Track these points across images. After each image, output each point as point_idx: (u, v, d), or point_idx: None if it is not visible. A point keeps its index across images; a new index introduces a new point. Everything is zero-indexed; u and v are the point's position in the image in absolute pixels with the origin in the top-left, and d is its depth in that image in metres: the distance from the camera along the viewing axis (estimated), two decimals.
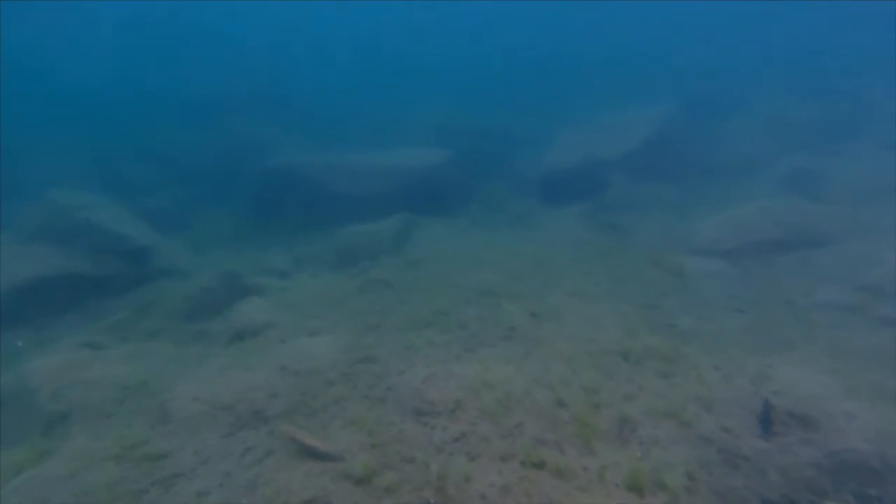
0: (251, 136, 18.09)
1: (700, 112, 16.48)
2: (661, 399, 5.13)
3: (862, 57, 20.99)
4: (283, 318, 8.09)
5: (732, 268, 8.73)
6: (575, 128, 15.39)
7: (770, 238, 8.99)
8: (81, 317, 8.76)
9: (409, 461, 4.59)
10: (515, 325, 7.44)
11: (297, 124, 19.76)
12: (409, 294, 9.09)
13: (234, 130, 18.47)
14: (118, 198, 13.84)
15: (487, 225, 13.18)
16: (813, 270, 8.26)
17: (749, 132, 14.97)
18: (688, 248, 9.80)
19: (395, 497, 4.13)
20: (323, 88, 24.63)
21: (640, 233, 11.17)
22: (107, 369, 6.38)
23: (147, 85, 23.63)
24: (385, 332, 7.63)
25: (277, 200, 14.49)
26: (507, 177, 15.93)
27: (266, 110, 20.06)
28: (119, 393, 6.07)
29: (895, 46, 20.48)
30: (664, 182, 12.89)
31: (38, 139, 17.55)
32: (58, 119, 20.36)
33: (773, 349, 6.24)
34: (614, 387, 5.47)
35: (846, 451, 4.18)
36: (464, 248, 11.50)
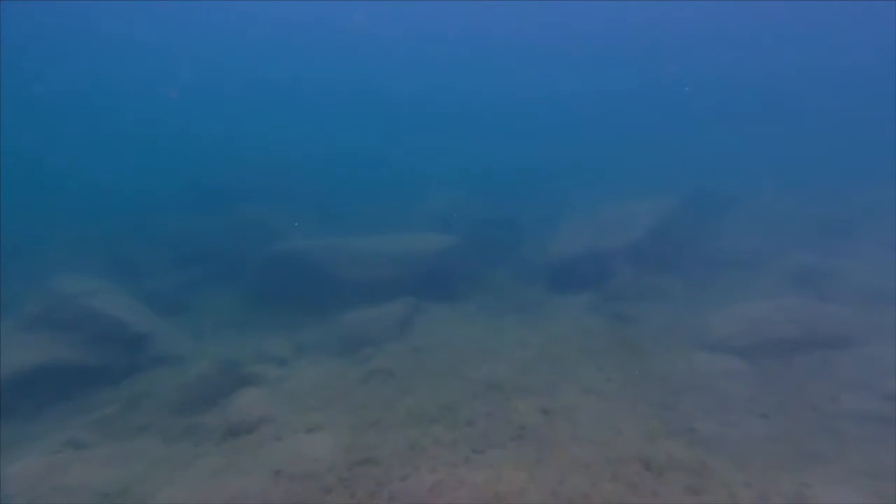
0: (257, 220, 18.46)
1: (699, 206, 16.88)
2: None
3: (851, 152, 21.96)
4: (281, 411, 7.69)
5: (749, 367, 8.42)
6: (579, 218, 15.70)
7: (786, 337, 8.76)
8: (70, 409, 8.33)
9: None
10: (526, 423, 7.04)
11: (300, 210, 20.24)
12: (414, 385, 8.74)
13: (241, 215, 18.89)
14: (122, 281, 13.82)
15: (494, 312, 12.99)
16: (834, 374, 7.95)
17: (749, 227, 15.23)
18: (699, 343, 9.54)
19: None
20: (328, 179, 25.56)
21: (649, 325, 10.95)
22: (87, 474, 5.93)
23: (155, 171, 24.63)
24: (387, 428, 7.22)
25: (281, 284, 14.44)
26: (513, 264, 15.99)
27: (271, 196, 20.65)
28: (98, 501, 5.58)
29: (886, 144, 21.49)
30: (669, 273, 12.89)
31: (44, 224, 17.92)
32: (66, 204, 20.96)
33: (804, 463, 5.81)
34: (639, 503, 5.02)
35: None
36: (470, 336, 11.26)
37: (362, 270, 14.44)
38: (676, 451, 6.02)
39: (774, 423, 6.94)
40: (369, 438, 6.82)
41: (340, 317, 12.23)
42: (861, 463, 5.70)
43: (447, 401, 7.86)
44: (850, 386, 7.54)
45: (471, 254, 15.96)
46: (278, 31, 45.04)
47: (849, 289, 10.83)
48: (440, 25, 45.79)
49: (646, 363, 8.99)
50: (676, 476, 5.46)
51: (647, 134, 31.93)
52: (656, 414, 7.26)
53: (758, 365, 8.49)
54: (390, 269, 14.36)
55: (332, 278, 14.28)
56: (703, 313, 10.57)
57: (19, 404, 8.08)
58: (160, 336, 10.35)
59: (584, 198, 18.27)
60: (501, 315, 12.93)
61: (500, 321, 12.29)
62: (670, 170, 21.63)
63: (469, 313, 13.04)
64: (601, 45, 43.40)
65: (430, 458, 6.15)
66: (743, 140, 28.35)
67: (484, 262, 16.39)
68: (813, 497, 4.91)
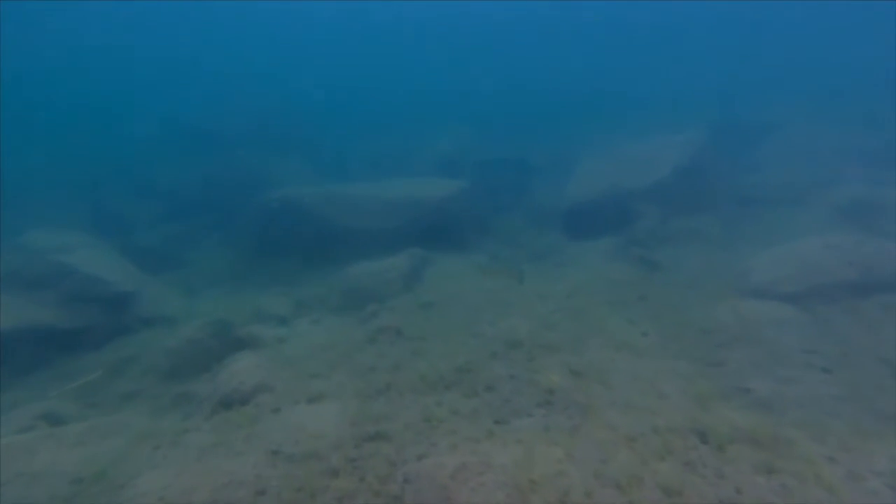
0: (254, 168, 17.26)
1: (731, 138, 15.48)
2: None
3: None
4: (279, 378, 6.90)
5: (802, 315, 7.49)
6: (597, 156, 14.39)
7: (844, 280, 7.77)
8: (48, 377, 7.61)
9: None
10: (554, 387, 6.22)
11: (300, 156, 18.94)
12: (425, 345, 7.94)
13: (237, 163, 17.67)
14: (109, 235, 12.92)
15: (507, 262, 12.05)
16: None
17: (787, 159, 13.88)
18: (741, 289, 8.59)
19: None
20: (327, 119, 23.96)
21: (683, 271, 9.99)
22: (59, 455, 5.19)
23: (148, 116, 23.06)
24: (398, 395, 6.44)
25: (279, 235, 13.49)
26: (525, 209, 14.89)
27: (269, 142, 19.28)
28: (70, 489, 4.84)
29: None
30: (701, 213, 11.76)
31: (30, 173, 16.76)
32: (53, 151, 19.66)
33: (886, 428, 4.97)
34: (702, 486, 4.21)
35: None
36: (483, 288, 10.37)
37: (364, 219, 13.44)
38: (734, 417, 5.19)
39: (840, 378, 6.08)
40: (378, 408, 6.04)
41: (342, 270, 11.35)
42: None
43: (463, 362, 7.04)
44: None
45: (480, 199, 14.86)
46: None
47: None
48: None
49: (683, 314, 8.09)
50: (741, 450, 4.64)
51: (667, 61, 29.52)
52: (702, 372, 6.42)
53: (812, 312, 7.56)
54: (394, 218, 13.35)
55: (332, 228, 13.32)
56: (743, 256, 9.57)
57: None
58: (147, 295, 9.52)
59: (602, 134, 16.83)
60: (515, 264, 12.01)
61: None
62: (694, 100, 19.88)
63: (480, 263, 12.11)
64: None
65: (447, 431, 5.36)
66: (770, 64, 26.06)
67: (494, 207, 15.31)
68: None
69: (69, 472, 5.05)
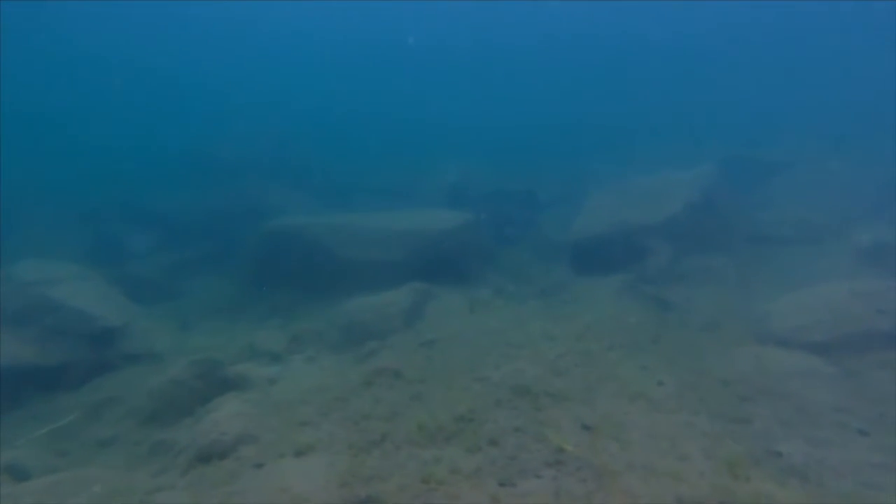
0: (254, 196, 17.06)
1: (741, 174, 15.17)
2: None
3: None
4: (265, 426, 6.40)
5: (830, 367, 6.97)
6: (606, 190, 14.08)
7: (874, 330, 7.26)
8: (22, 418, 7.13)
9: None
10: (564, 444, 5.69)
11: (303, 184, 18.77)
12: (424, 389, 7.44)
13: (238, 190, 17.48)
14: (105, 265, 12.60)
15: (513, 297, 11.63)
16: None
17: (802, 196, 13.50)
18: (762, 335, 8.09)
19: None
20: (332, 147, 23.95)
21: (696, 312, 9.51)
22: None
23: (150, 143, 23.16)
24: (394, 448, 5.91)
25: (278, 266, 13.14)
26: (532, 242, 14.52)
27: (273, 172, 19.15)
28: None
29: None
30: (714, 252, 11.33)
31: (26, 199, 16.64)
32: (45, 177, 19.63)
33: None
34: None
35: None
36: (487, 326, 9.93)
37: (366, 251, 13.09)
38: (768, 488, 4.64)
39: (879, 442, 5.53)
40: (372, 464, 5.52)
41: (342, 303, 10.93)
42: None
43: (465, 410, 6.53)
44: None
45: (486, 231, 14.52)
46: None
47: None
48: None
49: (700, 361, 7.58)
50: None
51: (675, 95, 29.60)
52: (726, 430, 5.87)
53: (840, 364, 7.03)
54: (397, 249, 13.00)
55: (333, 259, 12.97)
56: (761, 299, 9.09)
57: None
58: (135, 329, 9.09)
59: (611, 167, 16.59)
60: (521, 300, 11.55)
61: (520, 308, 10.91)
62: (703, 134, 19.69)
63: (484, 298, 11.68)
64: None
65: (448, 495, 4.84)
66: (779, 97, 25.94)
67: (499, 240, 14.95)
68: None
69: None
